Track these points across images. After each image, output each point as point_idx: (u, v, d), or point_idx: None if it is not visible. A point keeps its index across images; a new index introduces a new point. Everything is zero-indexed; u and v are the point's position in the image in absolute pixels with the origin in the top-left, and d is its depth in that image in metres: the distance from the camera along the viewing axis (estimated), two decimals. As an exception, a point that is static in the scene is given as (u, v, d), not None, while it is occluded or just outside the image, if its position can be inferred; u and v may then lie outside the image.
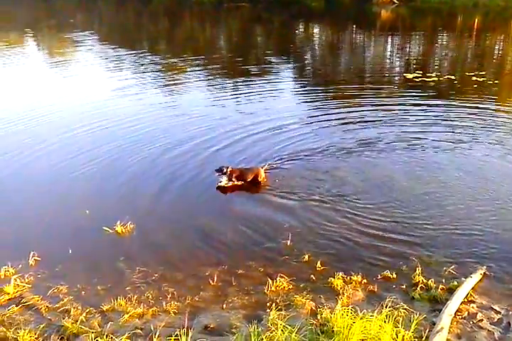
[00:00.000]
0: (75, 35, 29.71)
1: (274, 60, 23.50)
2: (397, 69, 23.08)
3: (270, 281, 7.18)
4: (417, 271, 7.28)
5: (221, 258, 7.95)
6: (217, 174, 10.42)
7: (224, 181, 10.37)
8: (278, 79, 19.88)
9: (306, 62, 24.72)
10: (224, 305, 6.86)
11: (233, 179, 10.39)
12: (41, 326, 6.50)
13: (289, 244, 8.19)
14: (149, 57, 23.38)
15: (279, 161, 11.52)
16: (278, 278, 7.25)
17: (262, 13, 35.51)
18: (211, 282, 7.35)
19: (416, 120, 14.33)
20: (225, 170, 10.34)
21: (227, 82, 19.44)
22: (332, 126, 13.92)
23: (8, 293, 7.32)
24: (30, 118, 15.01)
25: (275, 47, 27.19)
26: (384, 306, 6.22)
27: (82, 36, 29.10)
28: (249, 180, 10.45)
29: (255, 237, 8.53)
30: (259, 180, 10.44)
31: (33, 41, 30.78)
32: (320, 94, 17.70)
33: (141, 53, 24.27)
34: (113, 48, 26.28)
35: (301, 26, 35.11)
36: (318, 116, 14.84)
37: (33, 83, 19.94)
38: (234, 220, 9.12)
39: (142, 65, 22.08)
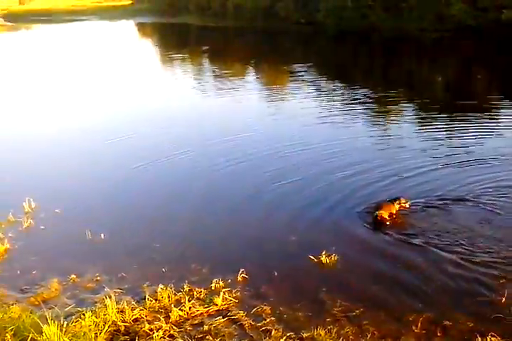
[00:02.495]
0: (293, 67, 31.22)
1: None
2: None
3: (479, 339, 6.68)
4: None
5: (426, 305, 7.60)
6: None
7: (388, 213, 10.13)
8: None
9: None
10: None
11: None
12: (244, 342, 6.82)
13: (503, 300, 7.54)
14: (361, 90, 23.62)
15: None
16: (489, 337, 6.70)
17: (487, 49, 33.87)
18: (414, 328, 7.05)
19: None
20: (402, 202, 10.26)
21: (440, 116, 18.73)
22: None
23: (217, 305, 7.80)
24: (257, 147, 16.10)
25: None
26: None
27: (299, 68, 30.49)
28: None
29: (460, 287, 8.02)
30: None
31: (254, 71, 33.02)
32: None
33: (353, 86, 24.62)
34: (326, 80, 27.10)
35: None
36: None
37: (252, 110, 21.23)
38: (435, 265, 8.66)
39: (352, 96, 22.39)
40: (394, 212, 10.25)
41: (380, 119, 18.85)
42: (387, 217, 10.08)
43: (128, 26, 77.88)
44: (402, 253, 9.06)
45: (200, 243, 9.95)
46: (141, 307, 7.73)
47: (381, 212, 10.09)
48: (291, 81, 27.56)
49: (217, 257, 9.28)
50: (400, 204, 10.34)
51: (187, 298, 7.88)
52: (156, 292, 8.05)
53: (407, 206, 10.38)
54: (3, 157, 15.86)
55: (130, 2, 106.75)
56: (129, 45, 50.47)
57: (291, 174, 13.04)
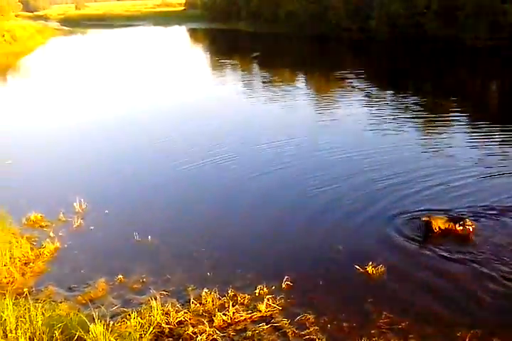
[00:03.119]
0: (344, 73, 31.00)
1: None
2: None
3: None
4: None
5: (474, 321, 7.37)
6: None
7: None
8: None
9: None
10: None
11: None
12: (287, 350, 6.77)
13: None
14: (411, 98, 23.22)
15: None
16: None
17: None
18: (463, 344, 6.86)
19: None
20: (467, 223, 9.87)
21: (492, 126, 18.21)
22: None
23: (260, 311, 7.78)
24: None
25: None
26: None
27: (350, 75, 30.24)
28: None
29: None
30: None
31: (303, 77, 32.97)
32: None
33: (404, 94, 24.23)
34: (376, 87, 26.76)
35: None
36: None
37: (299, 116, 21.14)
38: (485, 280, 8.38)
39: (403, 104, 22.05)
40: (449, 227, 9.88)
41: (430, 128, 18.48)
42: (439, 230, 9.83)
43: (180, 31, 79.20)
44: (451, 267, 8.81)
45: (245, 248, 9.98)
46: (186, 310, 7.78)
47: (434, 224, 9.85)
48: (341, 87, 27.33)
49: (262, 263, 9.27)
50: (463, 225, 9.82)
51: (231, 302, 7.89)
52: (201, 295, 8.09)
53: (471, 229, 9.78)
54: (57, 157, 16.32)
55: (183, 8, 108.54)
56: (181, 50, 51.26)
57: (335, 180, 12.96)
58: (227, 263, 9.29)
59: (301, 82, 31.65)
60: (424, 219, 10.04)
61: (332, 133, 17.93)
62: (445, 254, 9.20)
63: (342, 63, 37.83)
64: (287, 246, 9.93)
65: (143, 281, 8.83)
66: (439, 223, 9.89)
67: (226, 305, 7.87)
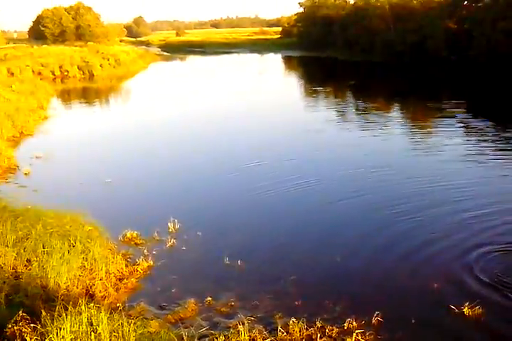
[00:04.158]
0: (441, 103, 30.25)
1: None
2: None
3: None
4: None
5: None
6: None
7: None
8: None
9: None
10: None
11: None
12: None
13: None
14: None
15: None
16: None
17: None
18: None
19: None
20: None
21: None
22: None
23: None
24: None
25: None
26: None
27: (447, 104, 29.45)
28: None
29: None
30: None
31: (399, 106, 32.44)
32: None
33: (506, 126, 23.20)
34: (476, 118, 25.83)
35: None
36: None
37: (391, 144, 20.73)
38: None
39: (502, 136, 21.14)
40: None
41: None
42: None
43: (275, 59, 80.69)
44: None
45: (335, 279, 9.82)
46: (272, 338, 7.73)
47: None
48: (438, 117, 26.61)
49: (352, 296, 9.04)
50: None
51: (318, 334, 7.77)
52: (288, 324, 8.01)
53: None
54: (154, 177, 16.90)
55: (279, 36, 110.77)
56: (274, 76, 52.10)
57: (421, 210, 12.66)
58: (315, 293, 9.15)
59: (396, 110, 31.19)
60: None
61: (422, 162, 17.65)
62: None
63: (441, 92, 36.92)
64: (376, 280, 9.66)
65: (231, 305, 8.87)
66: None
67: (313, 337, 7.74)
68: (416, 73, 47.59)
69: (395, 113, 30.07)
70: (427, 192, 13.97)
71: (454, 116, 26.10)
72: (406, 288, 9.33)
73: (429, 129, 24.11)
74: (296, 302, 8.80)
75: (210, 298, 9.02)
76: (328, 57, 68.43)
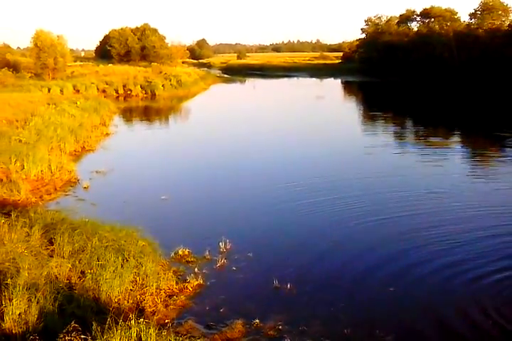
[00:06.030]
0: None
1: None
2: None
3: None
4: None
5: None
6: None
7: None
8: None
9: None
10: None
11: None
12: None
13: None
14: None
15: None
16: None
17: None
18: None
19: None
20: None
21: None
22: None
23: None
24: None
25: None
26: None
27: None
28: None
29: None
30: None
31: (461, 133, 31.68)
32: None
33: None
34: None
35: None
36: None
37: (445, 171, 20.26)
38: None
39: None
40: None
41: None
42: None
43: (335, 84, 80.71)
44: None
45: (384, 309, 9.55)
46: (319, 365, 7.57)
47: None
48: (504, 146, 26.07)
49: (404, 328, 8.80)
50: None
51: (366, 364, 7.55)
52: (336, 352, 7.84)
53: None
54: (208, 196, 17.02)
55: (339, 61, 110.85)
56: (333, 101, 52.01)
57: (464, 236, 12.75)
58: (366, 322, 8.95)
59: (457, 137, 30.47)
60: None
61: (476, 188, 17.59)
62: None
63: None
64: (421, 311, 9.35)
65: (278, 329, 8.76)
66: None
67: (361, 367, 7.54)
68: (482, 97, 46.47)
69: (455, 140, 29.33)
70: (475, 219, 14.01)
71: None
72: (451, 320, 9.07)
73: (488, 158, 23.52)
74: (345, 330, 8.61)
75: (257, 320, 8.94)
76: (390, 82, 67.91)
